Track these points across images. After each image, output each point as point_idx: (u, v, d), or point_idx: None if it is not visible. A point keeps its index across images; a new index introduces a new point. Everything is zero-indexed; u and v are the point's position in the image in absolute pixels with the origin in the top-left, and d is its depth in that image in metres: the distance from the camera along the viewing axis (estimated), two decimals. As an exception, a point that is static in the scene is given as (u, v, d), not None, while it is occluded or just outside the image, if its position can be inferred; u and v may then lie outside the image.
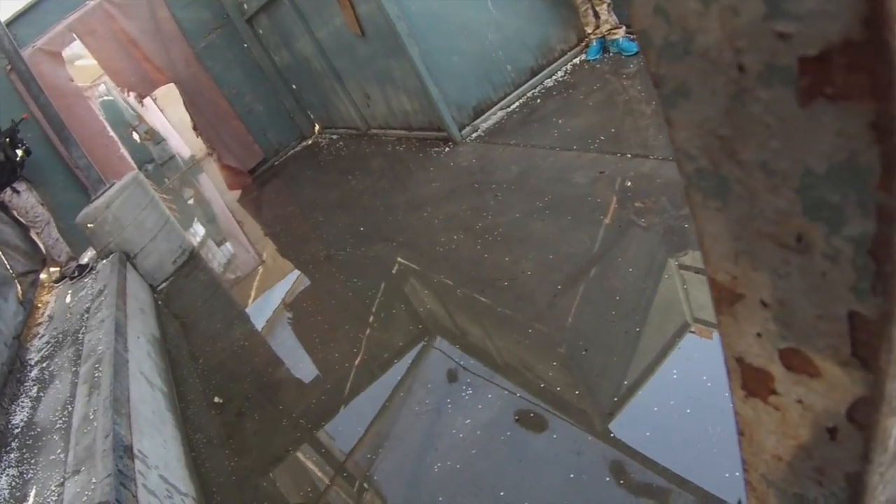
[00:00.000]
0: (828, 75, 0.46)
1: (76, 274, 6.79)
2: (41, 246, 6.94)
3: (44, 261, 7.14)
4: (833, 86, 0.47)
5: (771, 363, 0.70)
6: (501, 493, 2.31)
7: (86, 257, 7.23)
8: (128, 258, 6.65)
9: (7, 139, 6.56)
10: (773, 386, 0.72)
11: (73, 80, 8.95)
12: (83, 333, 4.50)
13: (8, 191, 6.34)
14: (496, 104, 6.03)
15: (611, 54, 5.73)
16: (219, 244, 8.55)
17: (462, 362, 3.15)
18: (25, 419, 3.78)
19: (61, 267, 6.88)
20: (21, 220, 6.63)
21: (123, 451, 2.80)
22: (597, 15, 5.68)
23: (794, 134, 0.51)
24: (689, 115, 0.60)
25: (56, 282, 7.02)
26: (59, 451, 3.14)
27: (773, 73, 0.50)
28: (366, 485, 2.82)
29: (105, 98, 18.12)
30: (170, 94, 11.80)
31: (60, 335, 4.95)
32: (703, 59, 0.54)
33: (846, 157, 0.49)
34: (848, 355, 0.60)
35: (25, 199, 6.52)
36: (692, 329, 2.59)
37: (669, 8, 0.55)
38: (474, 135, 5.87)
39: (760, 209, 0.59)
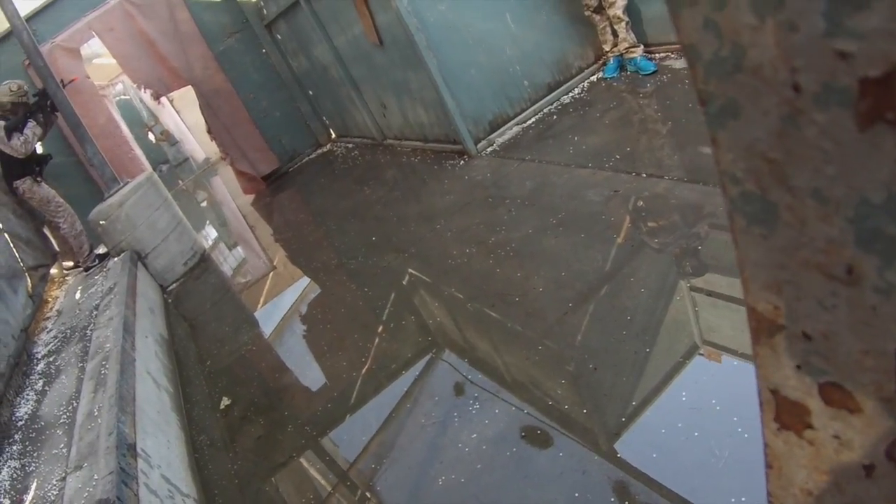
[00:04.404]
0: (890, 98, 0.44)
1: (96, 262, 6.81)
2: (58, 240, 6.96)
3: (54, 256, 7.17)
4: (895, 110, 0.44)
5: (809, 397, 0.68)
6: (506, 510, 2.30)
7: (102, 248, 7.24)
8: (139, 257, 6.67)
9: (49, 101, 6.66)
10: (809, 420, 0.70)
11: (89, 78, 9.02)
12: (91, 330, 4.50)
13: (28, 180, 6.36)
14: (512, 119, 6.04)
15: (628, 73, 5.74)
16: (230, 248, 8.58)
17: (470, 376, 3.14)
18: (30, 412, 3.78)
19: (83, 258, 6.88)
20: (42, 211, 6.65)
21: (126, 450, 2.79)
22: (615, 33, 5.70)
23: (851, 160, 0.48)
24: (737, 136, 0.57)
25: (72, 269, 7.04)
26: (61, 445, 3.13)
27: (831, 94, 0.47)
28: (368, 494, 2.80)
29: (122, 97, 18.27)
30: (186, 96, 11.89)
31: (68, 330, 4.96)
32: (756, 77, 0.52)
33: None
34: (893, 392, 0.57)
35: (47, 190, 6.54)
36: (702, 352, 2.57)
37: (721, 21, 0.52)
38: (489, 149, 5.87)
39: (809, 238, 0.56)
